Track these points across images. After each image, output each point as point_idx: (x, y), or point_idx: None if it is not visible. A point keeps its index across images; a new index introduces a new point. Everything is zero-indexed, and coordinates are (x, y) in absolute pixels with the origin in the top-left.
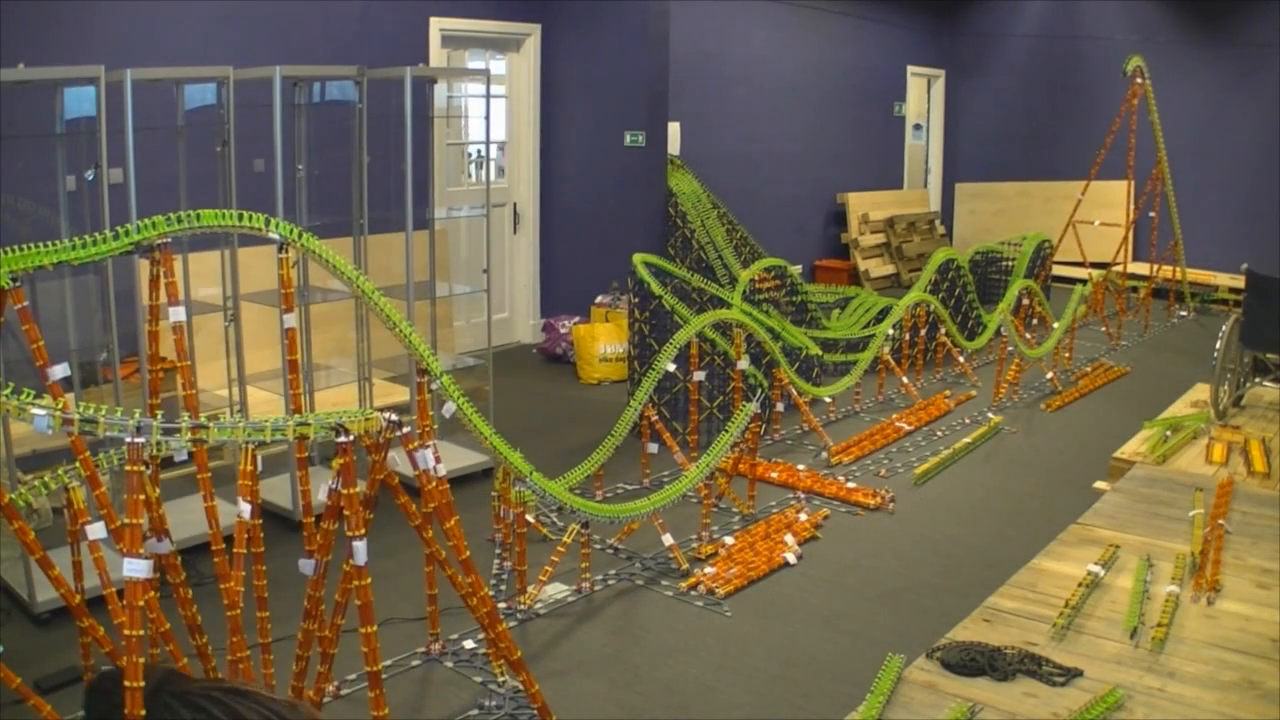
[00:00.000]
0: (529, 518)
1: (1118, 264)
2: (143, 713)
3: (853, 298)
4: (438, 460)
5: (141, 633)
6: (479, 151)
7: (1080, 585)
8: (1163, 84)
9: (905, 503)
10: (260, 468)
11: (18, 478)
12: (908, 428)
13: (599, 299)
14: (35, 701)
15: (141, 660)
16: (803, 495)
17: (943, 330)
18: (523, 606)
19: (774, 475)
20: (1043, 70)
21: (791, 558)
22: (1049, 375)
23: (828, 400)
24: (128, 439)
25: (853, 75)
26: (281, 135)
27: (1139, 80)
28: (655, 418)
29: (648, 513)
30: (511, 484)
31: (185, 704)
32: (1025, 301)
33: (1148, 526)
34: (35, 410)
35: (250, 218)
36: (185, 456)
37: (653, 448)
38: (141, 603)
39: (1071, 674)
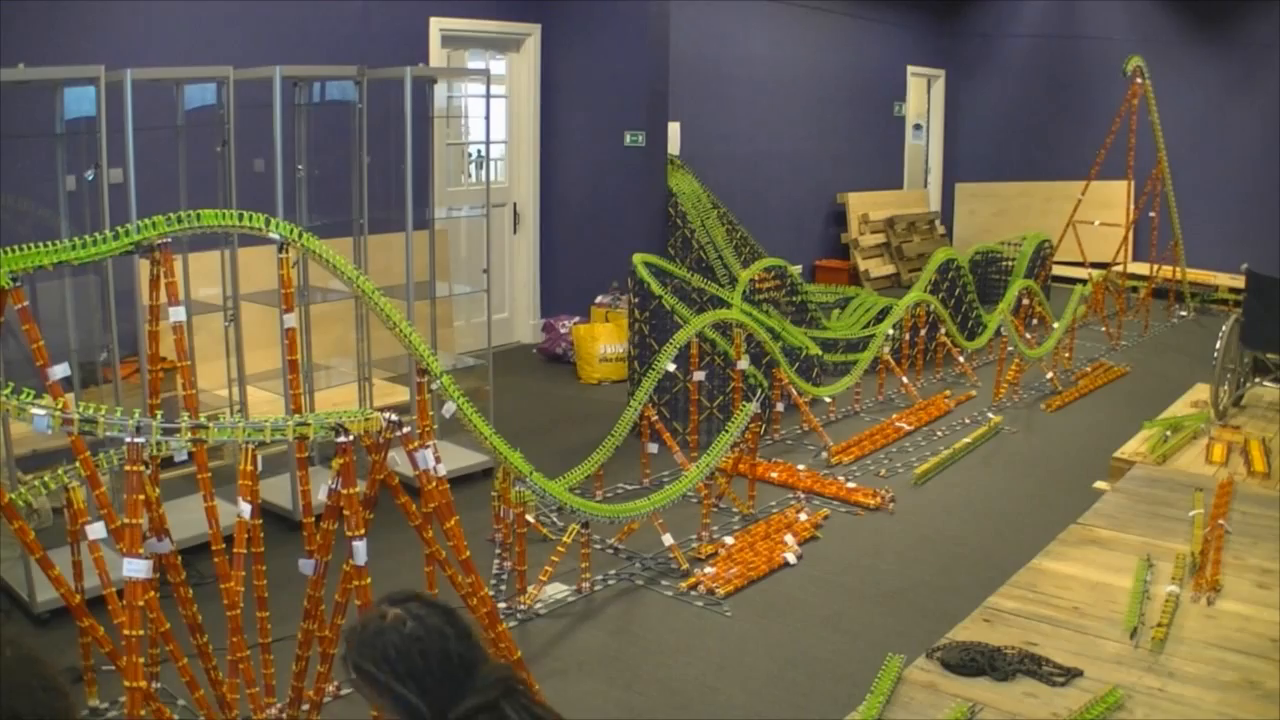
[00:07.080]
0: (529, 518)
1: (1118, 264)
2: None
3: (853, 298)
4: (438, 460)
5: (141, 633)
6: (479, 151)
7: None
8: (1163, 84)
9: (905, 503)
10: (260, 468)
11: (18, 478)
12: (908, 428)
13: (599, 299)
14: None
15: (142, 660)
16: (803, 495)
17: (943, 330)
18: (523, 606)
19: (774, 475)
20: (1043, 70)
21: (791, 558)
22: (1049, 375)
23: (828, 400)
24: (127, 439)
25: (853, 75)
26: (281, 135)
27: (1139, 80)
28: (655, 418)
29: (648, 513)
30: (511, 484)
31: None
32: (1025, 301)
33: (1148, 526)
34: (35, 410)
35: (250, 218)
36: (185, 456)
37: (653, 448)
38: (141, 603)
39: (1071, 674)
